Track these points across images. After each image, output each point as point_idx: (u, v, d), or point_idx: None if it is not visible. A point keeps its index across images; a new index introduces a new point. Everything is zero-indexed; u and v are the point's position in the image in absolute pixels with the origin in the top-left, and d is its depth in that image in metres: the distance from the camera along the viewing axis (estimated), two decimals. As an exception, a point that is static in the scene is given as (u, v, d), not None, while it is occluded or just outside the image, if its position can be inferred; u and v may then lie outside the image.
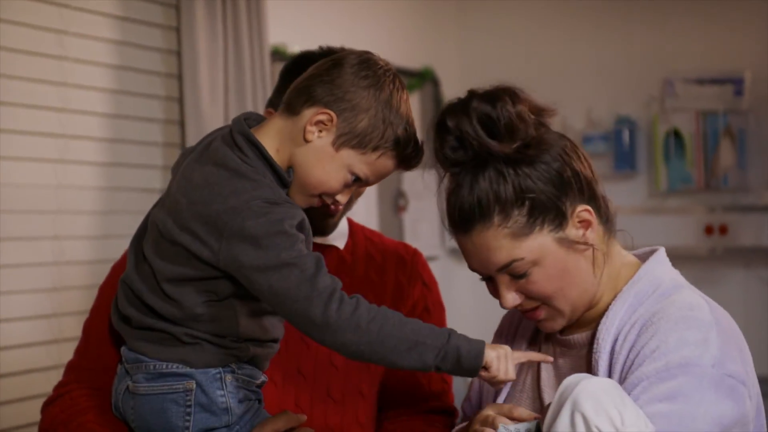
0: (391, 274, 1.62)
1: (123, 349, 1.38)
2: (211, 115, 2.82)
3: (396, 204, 3.89)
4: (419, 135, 1.36)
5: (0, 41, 2.47)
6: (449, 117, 1.29)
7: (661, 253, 1.36)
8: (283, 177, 1.31)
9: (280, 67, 1.63)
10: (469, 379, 1.46)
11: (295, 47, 2.99)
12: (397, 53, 3.80)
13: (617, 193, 1.37)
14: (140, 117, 2.83)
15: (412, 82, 3.87)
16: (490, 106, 1.27)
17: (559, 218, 1.27)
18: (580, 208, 1.29)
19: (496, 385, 1.30)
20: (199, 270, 1.28)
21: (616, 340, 1.27)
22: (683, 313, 1.25)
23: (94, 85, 2.71)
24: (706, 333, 1.23)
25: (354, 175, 1.32)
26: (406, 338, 1.24)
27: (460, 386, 2.18)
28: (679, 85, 3.66)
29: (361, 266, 1.60)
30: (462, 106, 1.29)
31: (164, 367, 1.32)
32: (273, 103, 1.57)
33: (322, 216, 1.49)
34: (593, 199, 1.30)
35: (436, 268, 4.41)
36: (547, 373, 1.37)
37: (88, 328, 1.54)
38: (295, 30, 3.28)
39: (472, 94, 1.29)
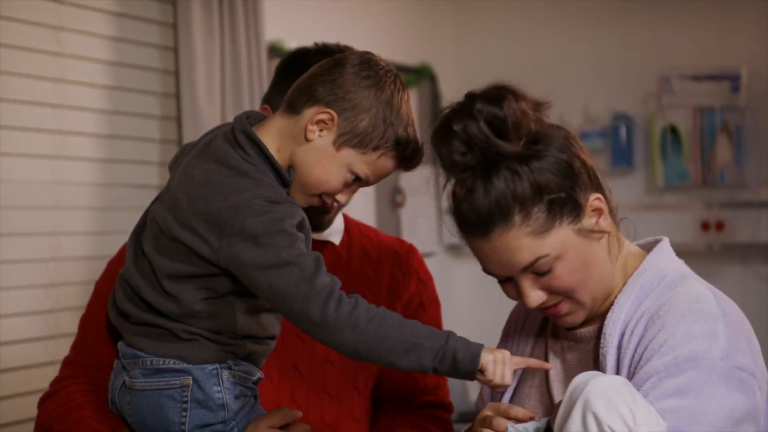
0: (387, 269, 1.62)
1: (120, 344, 1.38)
2: (207, 111, 2.82)
3: (393, 200, 3.89)
4: (419, 135, 1.37)
5: (-3, 37, 2.47)
6: (455, 121, 1.28)
7: (665, 244, 1.35)
8: (284, 176, 1.31)
9: (276, 63, 1.64)
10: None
11: (292, 44, 2.98)
12: (395, 49, 3.80)
13: (614, 189, 1.36)
14: (137, 113, 2.83)
15: (409, 79, 3.86)
16: (496, 107, 1.26)
17: (576, 209, 1.27)
18: (593, 197, 1.28)
19: (494, 389, 1.30)
20: (198, 267, 1.29)
21: (623, 334, 1.27)
22: (689, 305, 1.24)
23: (91, 81, 2.71)
24: (714, 325, 1.22)
25: (354, 175, 1.32)
26: (405, 339, 1.24)
27: (456, 382, 2.19)
28: (676, 82, 3.67)
29: (356, 262, 1.61)
30: (466, 109, 1.28)
31: (161, 362, 1.33)
32: (269, 99, 1.57)
33: (318, 212, 1.50)
34: (600, 187, 1.30)
35: (433, 265, 4.42)
36: (555, 369, 1.37)
37: (85, 323, 1.54)
38: (291, 26, 3.28)
39: (473, 96, 1.28)
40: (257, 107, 1.59)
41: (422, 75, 3.98)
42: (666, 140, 3.68)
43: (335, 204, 1.37)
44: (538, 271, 1.26)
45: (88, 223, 2.71)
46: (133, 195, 2.80)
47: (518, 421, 1.27)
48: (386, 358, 1.24)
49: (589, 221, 1.28)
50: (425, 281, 1.66)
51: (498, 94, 1.27)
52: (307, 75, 1.34)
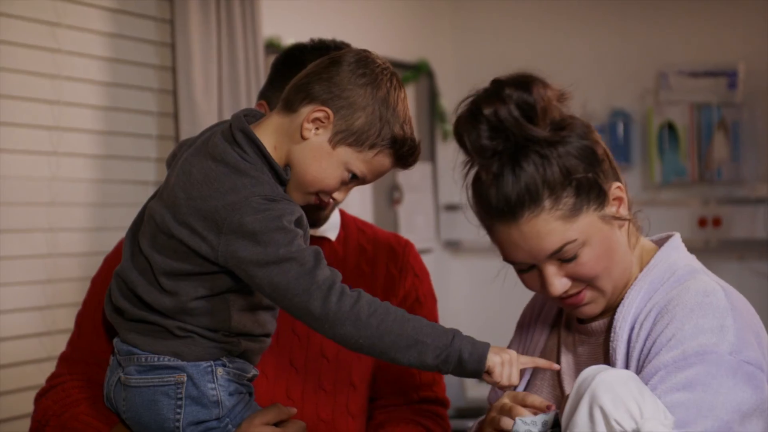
0: (383, 265, 1.63)
1: (115, 340, 1.39)
2: (204, 107, 2.82)
3: (391, 197, 3.89)
4: (417, 132, 1.37)
5: (-6, 34, 2.47)
6: (484, 105, 1.27)
7: (677, 239, 1.36)
8: (281, 174, 1.31)
9: (273, 59, 1.64)
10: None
11: (289, 40, 2.99)
12: (393, 46, 3.80)
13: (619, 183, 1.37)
14: (134, 110, 2.83)
15: (407, 75, 3.86)
16: (526, 92, 1.26)
17: (601, 196, 1.27)
18: (614, 185, 1.29)
19: (502, 389, 1.30)
20: (197, 265, 1.29)
21: (632, 328, 1.27)
22: (698, 299, 1.24)
23: (88, 77, 2.71)
24: (722, 319, 1.22)
25: (351, 173, 1.33)
26: (406, 335, 1.24)
27: (454, 378, 2.19)
28: (673, 78, 3.67)
29: (352, 258, 1.61)
30: (495, 94, 1.28)
31: (156, 359, 1.33)
32: (265, 95, 1.57)
33: (315, 209, 1.50)
34: (618, 176, 1.31)
35: (430, 261, 4.42)
36: (566, 362, 1.37)
37: (81, 319, 1.54)
38: (289, 23, 3.27)
39: (501, 82, 1.29)
40: (254, 104, 1.59)
41: (420, 72, 3.97)
42: (663, 136, 3.68)
43: (331, 201, 1.37)
44: (564, 257, 1.27)
45: (85, 219, 2.71)
46: (130, 191, 2.80)
47: (535, 409, 1.27)
48: (388, 354, 1.25)
49: (610, 209, 1.29)
50: (421, 277, 1.66)
51: (527, 80, 1.28)
52: (303, 73, 1.34)
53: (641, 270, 1.33)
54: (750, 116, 3.58)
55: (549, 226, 1.25)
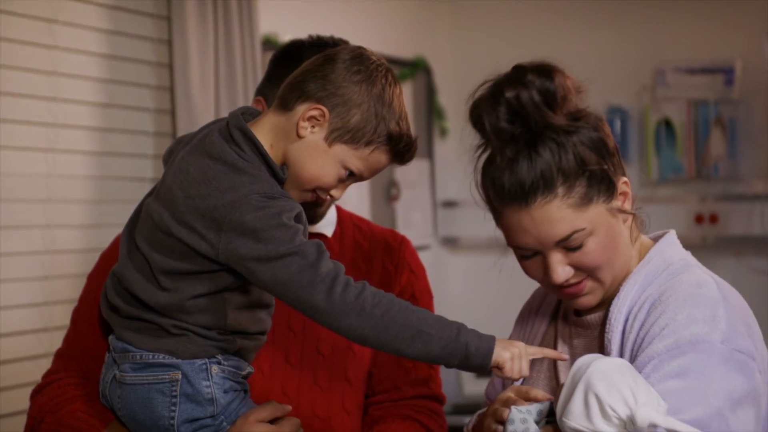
0: (379, 261, 1.63)
1: (111, 338, 1.39)
2: (201, 104, 2.82)
3: (388, 193, 3.89)
4: (414, 128, 1.36)
5: (-10, 30, 2.46)
6: (507, 88, 1.28)
7: (672, 235, 1.39)
8: (278, 173, 1.31)
9: (270, 56, 1.63)
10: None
11: (286, 37, 2.98)
12: (390, 43, 3.80)
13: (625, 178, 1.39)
14: (131, 106, 2.83)
15: (404, 72, 3.86)
16: (548, 79, 1.28)
17: (610, 188, 1.30)
18: (622, 179, 1.32)
19: (514, 381, 1.31)
20: (196, 264, 1.29)
21: (626, 320, 1.30)
22: (691, 290, 1.27)
23: (85, 74, 2.71)
24: (714, 310, 1.25)
25: (348, 170, 1.33)
26: (411, 326, 1.24)
27: (450, 375, 2.19)
28: (671, 75, 3.67)
29: (348, 254, 1.61)
30: (517, 79, 1.29)
31: (150, 357, 1.33)
32: (262, 92, 1.57)
33: (311, 205, 1.50)
34: (624, 171, 1.34)
35: (428, 258, 4.41)
36: (562, 353, 1.39)
37: (77, 316, 1.54)
38: (286, 19, 3.27)
39: (523, 68, 1.30)
40: (251, 100, 1.59)
41: (417, 68, 3.97)
42: (660, 133, 3.68)
43: (328, 198, 1.37)
44: (571, 245, 1.28)
45: (82, 216, 2.71)
46: (127, 188, 2.80)
47: (538, 402, 1.28)
48: (392, 345, 1.24)
49: (617, 202, 1.31)
50: (417, 273, 1.66)
51: (549, 68, 1.29)
52: (298, 71, 1.34)
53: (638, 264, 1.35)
54: (747, 113, 3.58)
55: (560, 213, 1.27)
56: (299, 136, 1.30)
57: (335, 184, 1.33)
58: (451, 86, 4.15)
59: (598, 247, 1.29)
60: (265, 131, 1.32)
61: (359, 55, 1.32)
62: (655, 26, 3.76)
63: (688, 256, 1.37)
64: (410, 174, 3.95)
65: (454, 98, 4.13)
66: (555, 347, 1.41)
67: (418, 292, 1.64)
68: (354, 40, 1.49)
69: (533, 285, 1.45)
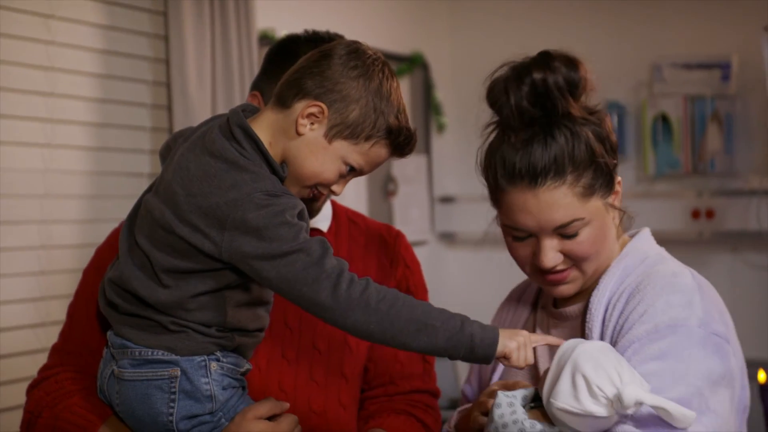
0: (374, 256, 1.63)
1: (109, 333, 1.38)
2: (198, 99, 2.82)
3: (386, 189, 3.89)
4: (411, 123, 1.37)
5: (-14, 25, 2.46)
6: (535, 70, 1.32)
7: (646, 232, 1.44)
8: (278, 171, 1.31)
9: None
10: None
11: (283, 32, 2.96)
12: (387, 38, 3.80)
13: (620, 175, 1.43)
14: (128, 102, 2.83)
15: (402, 67, 3.86)
16: (573, 69, 1.33)
17: (610, 184, 1.36)
18: (617, 178, 1.38)
19: (520, 369, 1.33)
20: (199, 263, 1.29)
21: (606, 309, 1.35)
22: (667, 279, 1.32)
23: (82, 69, 2.70)
24: (690, 296, 1.31)
25: (348, 166, 1.33)
26: (416, 319, 1.24)
27: (446, 370, 2.19)
28: (667, 70, 3.67)
29: (344, 249, 1.61)
30: (545, 63, 1.33)
31: (149, 353, 1.33)
32: (258, 87, 1.57)
33: (308, 201, 1.49)
34: (616, 171, 1.39)
35: (425, 253, 4.41)
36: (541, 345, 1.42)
37: (73, 311, 1.54)
38: (283, 15, 3.27)
39: (550, 54, 1.34)
40: (247, 96, 1.59)
41: (415, 64, 3.97)
42: (657, 129, 3.68)
43: (325, 193, 1.37)
44: (567, 232, 1.33)
45: (78, 211, 2.71)
46: (123, 183, 2.80)
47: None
48: (398, 339, 1.25)
49: (612, 198, 1.37)
50: (412, 268, 1.66)
51: (575, 59, 1.34)
52: (295, 68, 1.33)
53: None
54: (743, 108, 3.58)
55: (565, 200, 1.32)
56: (298, 134, 1.31)
57: (336, 179, 1.34)
58: (449, 82, 4.14)
59: (589, 239, 1.34)
60: (264, 128, 1.32)
61: (355, 50, 1.33)
62: (651, 22, 3.76)
63: (663, 251, 1.42)
64: (407, 169, 3.95)
65: (452, 94, 4.13)
66: None
67: (413, 287, 1.64)
68: (351, 36, 1.49)
69: (530, 278, 1.47)
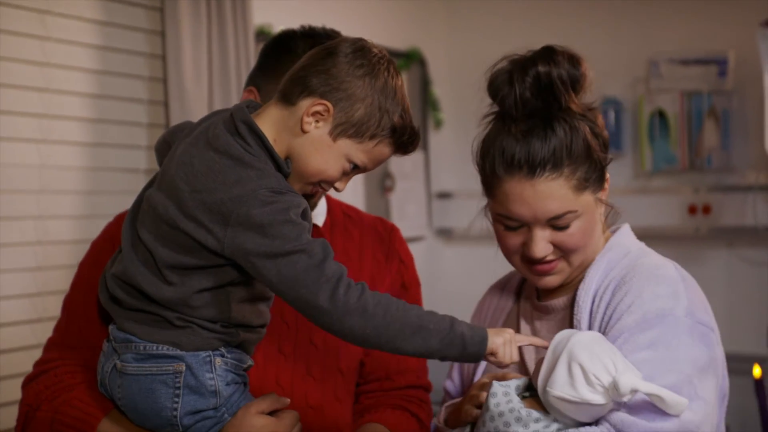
0: (369, 251, 1.64)
1: (111, 327, 1.38)
2: (195, 95, 2.81)
3: (383, 185, 3.89)
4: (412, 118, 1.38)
5: (-18, 21, 2.46)
6: (540, 63, 1.35)
7: (627, 228, 1.48)
8: (283, 167, 1.31)
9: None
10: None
11: (280, 28, 2.97)
12: (385, 34, 3.80)
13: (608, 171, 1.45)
14: (124, 97, 2.83)
15: (399, 63, 3.86)
16: (575, 65, 1.36)
17: (601, 180, 1.39)
18: (607, 175, 1.41)
19: (503, 368, 1.35)
20: (202, 258, 1.29)
21: (593, 301, 1.38)
22: (652, 271, 1.36)
23: (78, 65, 2.70)
24: (675, 287, 1.35)
25: (352, 163, 1.33)
26: (411, 322, 1.25)
27: (440, 365, 2.18)
28: (664, 66, 3.67)
29: (339, 243, 1.62)
30: (549, 57, 1.36)
31: (154, 348, 1.33)
32: (254, 82, 1.57)
33: (305, 196, 1.50)
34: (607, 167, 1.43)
35: (422, 249, 4.40)
36: (525, 332, 1.47)
37: (70, 304, 1.54)
38: (279, 10, 3.26)
39: (554, 49, 1.37)
40: (244, 92, 1.59)
41: (412, 60, 3.97)
42: (654, 124, 3.68)
43: (327, 190, 1.38)
44: (560, 224, 1.36)
45: (74, 206, 2.71)
46: (120, 179, 2.80)
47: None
48: (393, 343, 1.26)
49: (602, 194, 1.41)
50: (407, 263, 1.67)
51: (577, 56, 1.37)
52: (299, 65, 1.33)
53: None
54: (740, 104, 3.58)
55: (561, 192, 1.35)
56: (303, 131, 1.31)
57: (339, 177, 1.34)
58: (446, 78, 4.14)
59: (579, 231, 1.37)
60: (268, 125, 1.32)
61: (361, 48, 1.33)
62: (648, 18, 3.76)
63: (643, 245, 1.46)
64: (405, 165, 3.95)
65: (449, 90, 4.13)
66: (518, 326, 1.49)
67: (407, 282, 1.66)
68: (348, 32, 1.49)
69: (526, 276, 1.48)
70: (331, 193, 1.56)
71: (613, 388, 1.21)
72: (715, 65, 3.58)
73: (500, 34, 4.01)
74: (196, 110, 2.76)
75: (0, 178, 2.51)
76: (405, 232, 1.74)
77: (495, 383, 1.31)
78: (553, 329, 1.41)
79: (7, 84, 2.53)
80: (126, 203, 1.44)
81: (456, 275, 4.12)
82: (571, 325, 1.40)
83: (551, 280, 1.42)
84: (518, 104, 1.35)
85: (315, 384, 1.56)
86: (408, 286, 1.65)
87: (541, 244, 1.37)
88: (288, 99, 1.32)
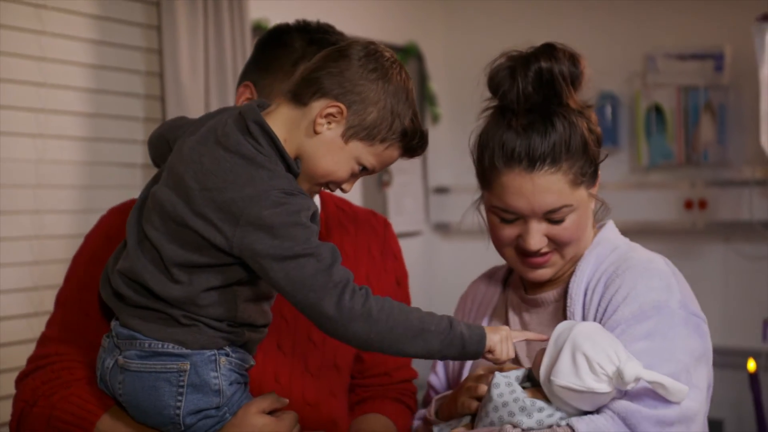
0: (364, 245, 1.64)
1: (114, 323, 1.38)
2: (191, 90, 2.81)
3: (380, 180, 3.89)
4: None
5: (-22, 15, 2.45)
6: (543, 59, 1.37)
7: (611, 224, 1.51)
8: (293, 167, 1.31)
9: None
10: None
11: (277, 22, 2.97)
12: (382, 29, 3.79)
13: (599, 168, 1.46)
14: (121, 92, 2.82)
15: (395, 58, 3.86)
16: (575, 62, 1.38)
17: (594, 176, 1.43)
18: (599, 171, 1.45)
19: (500, 364, 1.37)
20: (210, 257, 1.29)
21: (585, 294, 1.41)
22: (644, 265, 1.40)
23: (74, 59, 2.70)
24: (667, 280, 1.38)
25: (361, 166, 1.34)
26: (413, 326, 1.27)
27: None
28: (661, 61, 3.67)
29: (336, 238, 1.62)
30: (550, 53, 1.38)
31: (159, 346, 1.32)
32: (250, 77, 1.56)
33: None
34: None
35: (420, 244, 4.40)
36: (513, 323, 1.49)
37: (64, 299, 1.53)
38: (276, 5, 3.26)
39: (554, 46, 1.39)
40: (240, 87, 1.59)
41: (409, 54, 3.97)
42: (650, 119, 3.68)
43: (334, 190, 1.39)
44: (555, 218, 1.39)
45: (71, 201, 2.71)
46: (116, 174, 2.80)
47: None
48: (396, 346, 1.27)
49: (593, 189, 1.43)
50: (399, 258, 1.70)
51: (576, 54, 1.40)
52: (312, 66, 1.34)
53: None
54: (736, 99, 3.58)
55: (558, 186, 1.37)
56: (316, 132, 1.31)
57: (348, 178, 1.35)
58: (443, 72, 4.14)
59: (573, 225, 1.40)
60: (278, 125, 1.32)
61: (374, 52, 1.34)
62: (645, 13, 3.76)
63: (628, 241, 1.49)
64: (402, 160, 3.95)
65: (446, 85, 4.13)
66: (506, 317, 1.51)
67: (400, 278, 1.68)
68: (346, 26, 1.49)
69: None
70: (336, 192, 1.56)
71: (618, 376, 1.24)
72: (711, 60, 3.58)
73: (497, 28, 4.01)
74: (193, 105, 2.76)
75: (-3, 173, 2.51)
76: (402, 226, 1.75)
77: (497, 374, 1.32)
78: (544, 321, 1.44)
79: (4, 78, 2.53)
80: (122, 198, 1.43)
81: (453, 270, 4.11)
82: (563, 318, 1.42)
83: (543, 273, 1.44)
84: (520, 99, 1.37)
85: (312, 380, 1.56)
86: (401, 282, 1.67)
87: (537, 236, 1.39)
88: (300, 99, 1.32)
